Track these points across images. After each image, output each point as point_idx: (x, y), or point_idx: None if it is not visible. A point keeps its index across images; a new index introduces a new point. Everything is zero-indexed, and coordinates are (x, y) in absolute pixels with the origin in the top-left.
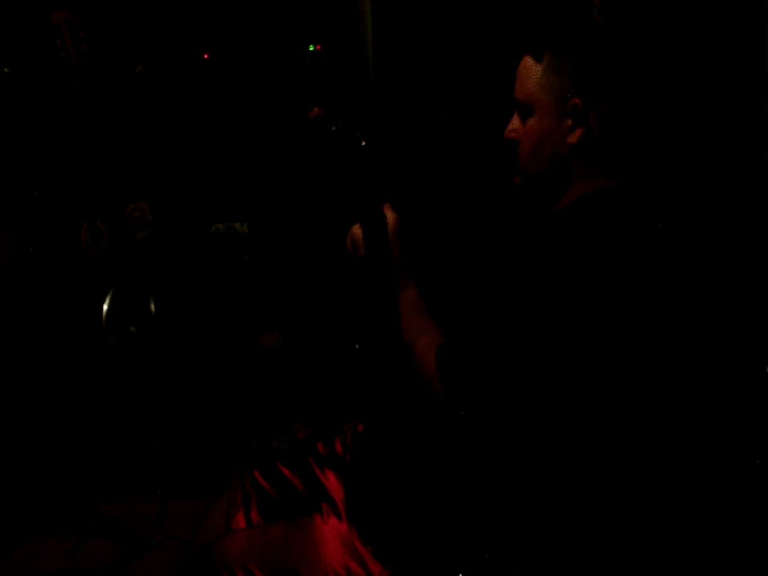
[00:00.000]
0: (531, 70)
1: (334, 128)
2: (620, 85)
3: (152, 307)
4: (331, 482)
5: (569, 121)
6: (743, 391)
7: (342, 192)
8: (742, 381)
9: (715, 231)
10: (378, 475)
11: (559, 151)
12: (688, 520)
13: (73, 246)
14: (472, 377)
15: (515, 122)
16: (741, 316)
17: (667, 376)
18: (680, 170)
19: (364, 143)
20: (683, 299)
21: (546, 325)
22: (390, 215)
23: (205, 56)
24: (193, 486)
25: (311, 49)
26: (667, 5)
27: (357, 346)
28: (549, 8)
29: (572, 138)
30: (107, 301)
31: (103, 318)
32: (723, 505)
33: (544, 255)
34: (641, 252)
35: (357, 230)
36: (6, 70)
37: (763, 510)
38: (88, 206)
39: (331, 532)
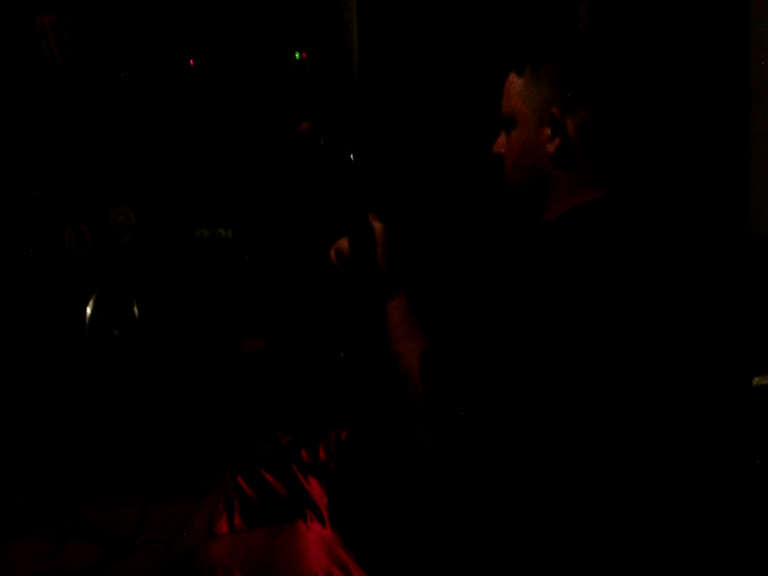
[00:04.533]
0: (513, 85)
1: (322, 142)
2: (599, 95)
3: (136, 311)
4: (315, 489)
5: (548, 131)
6: (729, 404)
7: (329, 202)
8: (728, 395)
9: (700, 244)
10: (362, 482)
11: (539, 161)
12: (670, 527)
13: (57, 249)
14: (457, 384)
15: (501, 137)
16: (726, 331)
17: (653, 390)
18: (664, 182)
19: (352, 157)
20: (670, 313)
21: (532, 336)
22: (377, 225)
23: (191, 62)
24: (176, 490)
25: (297, 56)
26: (652, 18)
27: (342, 354)
28: (533, 22)
29: (551, 147)
30: (91, 304)
31: (87, 322)
32: (711, 511)
33: (530, 268)
34: (627, 267)
35: (344, 242)
36: None
37: (751, 516)
38: (73, 210)
39: (315, 538)
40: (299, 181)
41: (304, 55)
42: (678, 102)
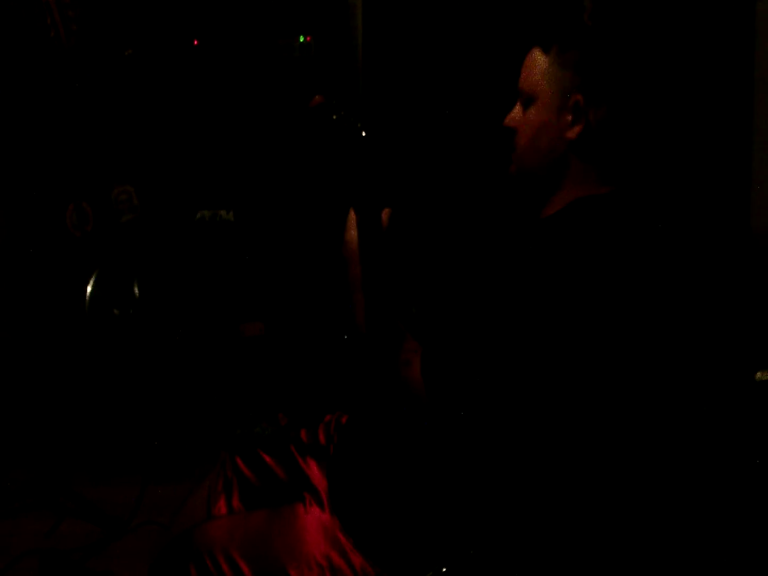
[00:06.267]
0: (538, 62)
1: (335, 117)
2: (622, 89)
3: (136, 290)
4: (314, 471)
5: (569, 117)
6: (732, 398)
7: (336, 182)
8: (731, 388)
9: (702, 242)
10: (362, 467)
11: (556, 145)
12: (669, 524)
13: (59, 227)
14: (459, 384)
15: (516, 111)
16: (728, 327)
17: (655, 386)
18: (667, 180)
19: (364, 134)
20: (672, 310)
21: (534, 332)
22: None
23: (195, 42)
24: (174, 471)
25: (301, 40)
26: (655, 12)
27: (345, 337)
28: (546, 6)
29: (571, 134)
30: (91, 282)
31: (87, 300)
32: (712, 508)
33: (534, 261)
34: (631, 263)
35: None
36: None
37: (752, 513)
38: (75, 188)
39: (314, 521)
40: (306, 161)
41: (308, 38)
42: (680, 100)
